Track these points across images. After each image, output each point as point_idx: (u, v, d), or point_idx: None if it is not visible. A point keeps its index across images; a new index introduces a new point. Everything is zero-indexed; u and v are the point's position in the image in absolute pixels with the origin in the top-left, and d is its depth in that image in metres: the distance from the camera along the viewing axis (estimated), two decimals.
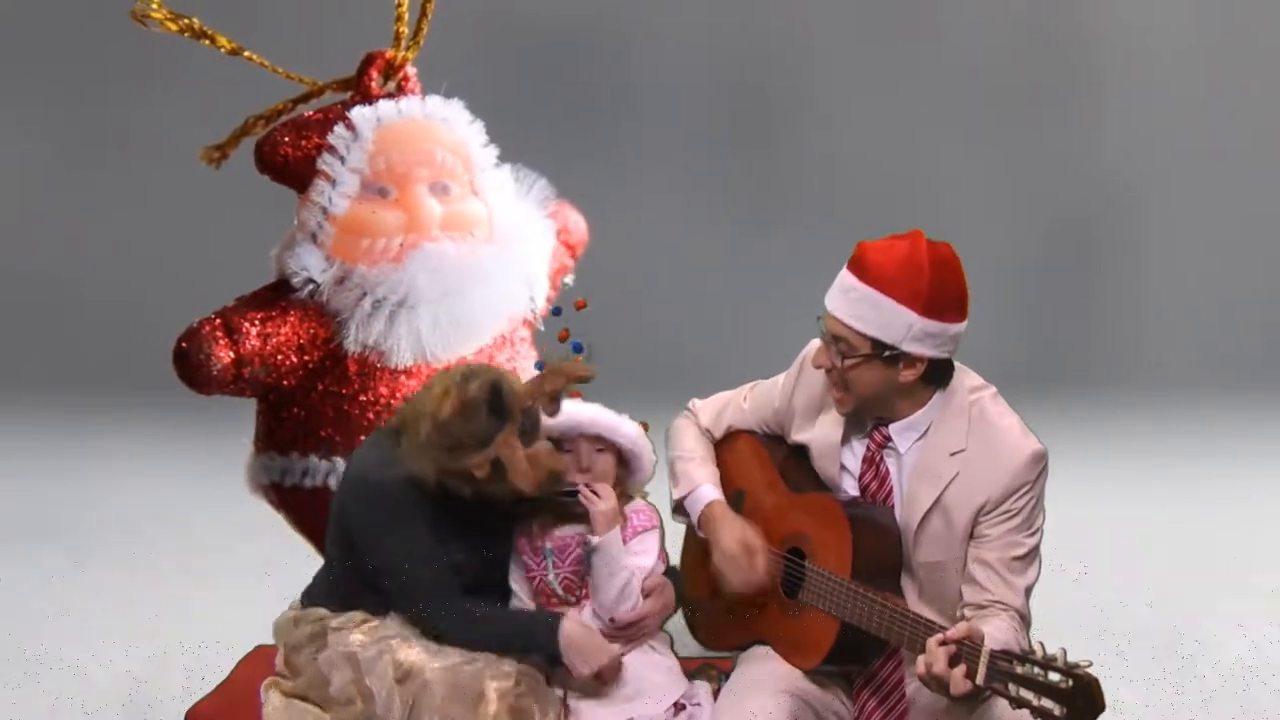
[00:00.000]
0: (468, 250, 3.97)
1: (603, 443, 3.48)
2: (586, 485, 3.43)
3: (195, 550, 6.03)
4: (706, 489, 3.47)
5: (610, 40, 8.75)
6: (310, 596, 3.50)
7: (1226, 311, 8.81)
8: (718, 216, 8.75)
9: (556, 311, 3.62)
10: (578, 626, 3.37)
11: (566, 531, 3.49)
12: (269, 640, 3.58)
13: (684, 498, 3.48)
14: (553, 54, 8.71)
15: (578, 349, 3.58)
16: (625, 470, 3.53)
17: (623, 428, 3.48)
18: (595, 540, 3.42)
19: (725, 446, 3.59)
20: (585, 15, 8.69)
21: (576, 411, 3.46)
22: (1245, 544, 6.25)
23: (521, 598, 3.49)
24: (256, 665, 3.69)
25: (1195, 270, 8.89)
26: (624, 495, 3.52)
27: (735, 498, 3.50)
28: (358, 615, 3.38)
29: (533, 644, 3.36)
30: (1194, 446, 7.65)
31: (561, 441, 3.47)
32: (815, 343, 3.39)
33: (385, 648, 3.30)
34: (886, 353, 3.21)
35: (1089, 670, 2.82)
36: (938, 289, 3.20)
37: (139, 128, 8.45)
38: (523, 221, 4.12)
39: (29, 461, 7.23)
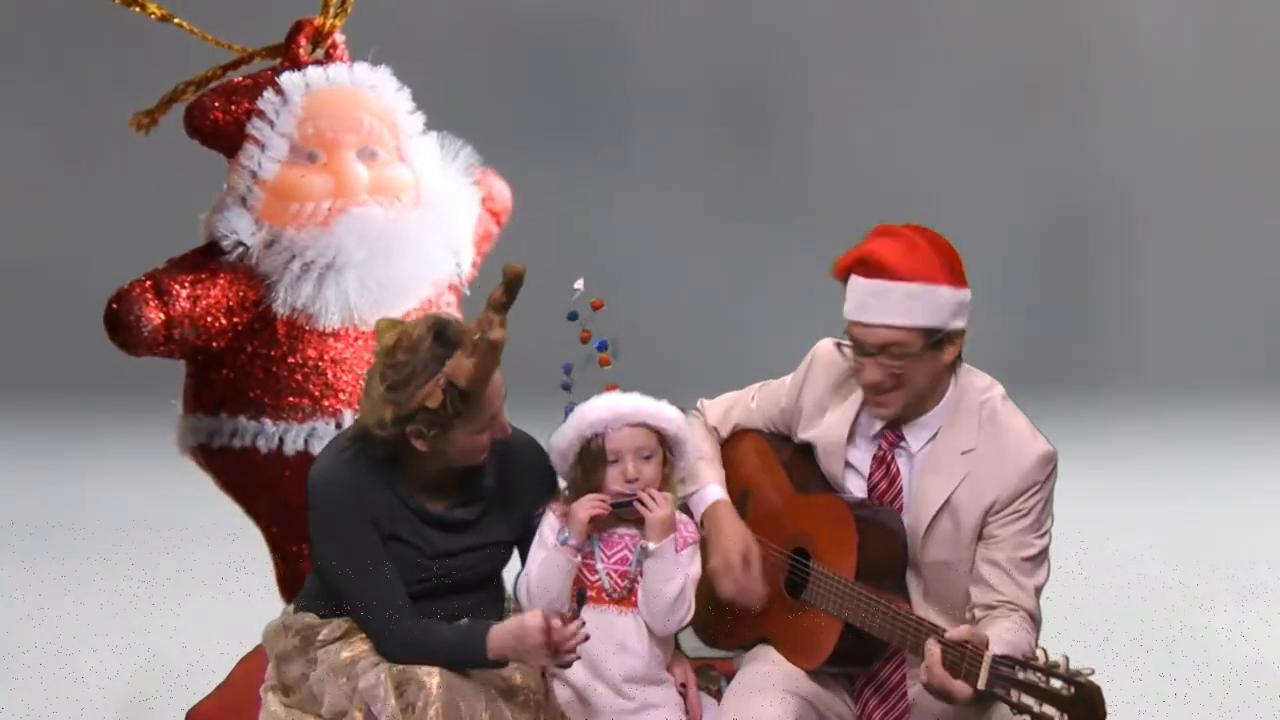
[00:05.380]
0: (394, 215, 4.02)
1: (648, 447, 3.37)
2: (645, 491, 3.34)
3: (194, 549, 6.03)
4: (712, 489, 3.45)
5: (609, 40, 8.73)
6: (301, 601, 3.48)
7: (1226, 312, 8.77)
8: (717, 217, 8.72)
9: (572, 316, 3.56)
10: (500, 629, 3.25)
11: (616, 529, 3.41)
12: None
13: (689, 496, 3.46)
14: (551, 53, 8.70)
15: (602, 347, 3.56)
16: (669, 461, 3.41)
17: (665, 413, 3.38)
18: (652, 546, 3.34)
19: (732, 445, 3.58)
20: (583, 15, 8.68)
21: (617, 401, 3.39)
22: (1246, 544, 6.27)
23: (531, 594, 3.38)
24: (256, 665, 3.65)
25: (1194, 270, 8.84)
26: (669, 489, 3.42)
27: (740, 497, 3.49)
28: (343, 623, 3.34)
29: (469, 657, 3.27)
30: (1194, 446, 7.65)
31: (605, 452, 3.36)
32: (824, 342, 3.41)
33: (378, 660, 3.27)
34: (935, 338, 3.22)
35: (1091, 678, 2.85)
36: (948, 258, 3.24)
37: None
38: (448, 187, 4.16)
39: (27, 461, 7.23)
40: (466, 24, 8.58)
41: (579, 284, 3.51)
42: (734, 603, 3.39)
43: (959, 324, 3.24)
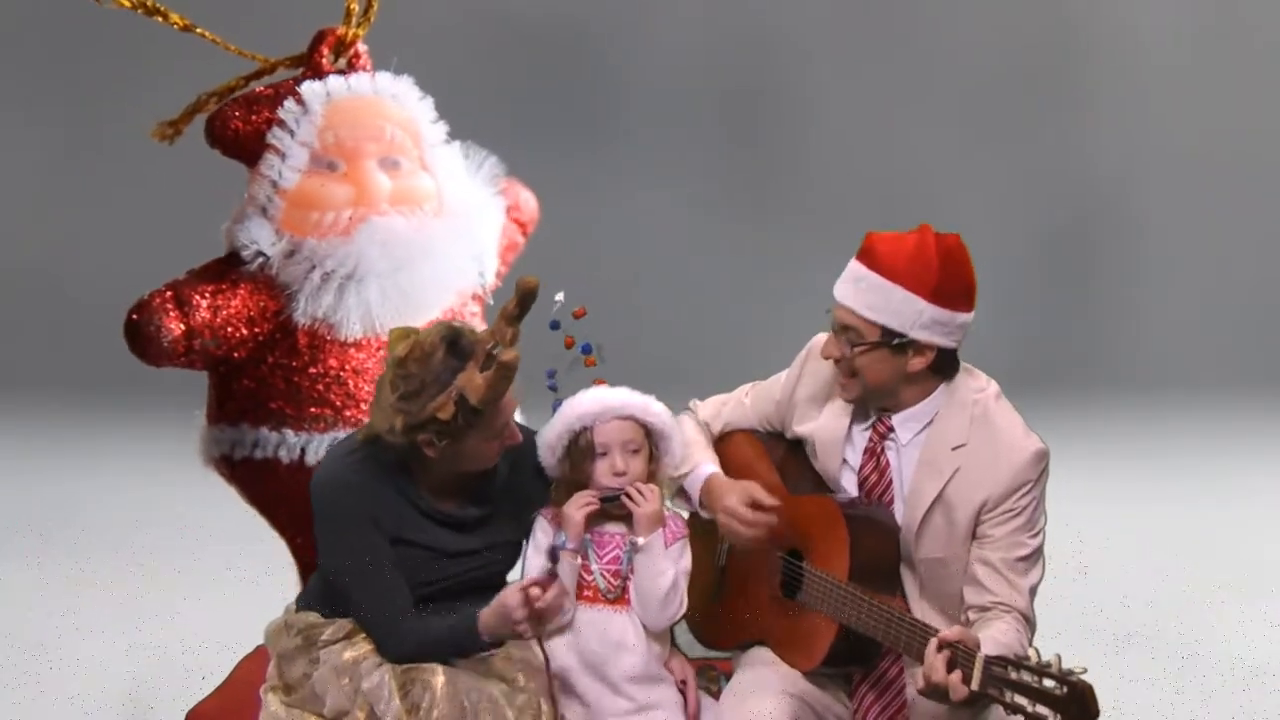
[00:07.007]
0: (416, 224, 4.01)
1: (635, 440, 3.40)
2: (633, 486, 3.37)
3: (195, 549, 6.01)
4: (705, 466, 3.46)
5: (609, 40, 8.73)
6: (304, 600, 3.50)
7: (1226, 312, 8.79)
8: (715, 218, 8.72)
9: (555, 325, 3.54)
10: (486, 612, 3.25)
11: (606, 528, 3.43)
12: None
13: (683, 478, 3.47)
14: (549, 53, 8.70)
15: (587, 350, 3.54)
16: (655, 456, 3.44)
17: (652, 407, 3.41)
18: (641, 541, 3.37)
19: (725, 445, 3.58)
20: (582, 15, 8.67)
21: (605, 394, 3.41)
22: (1245, 544, 6.28)
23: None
24: (257, 665, 3.65)
25: (1194, 270, 8.87)
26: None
27: None
28: (346, 623, 3.35)
29: (466, 644, 3.27)
30: (1193, 446, 7.66)
31: (594, 445, 3.39)
32: (820, 337, 3.41)
33: (381, 660, 3.28)
34: (895, 340, 3.24)
35: (1083, 677, 2.85)
36: (946, 277, 3.24)
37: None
38: (472, 197, 4.16)
39: (29, 461, 7.21)
40: (465, 24, 8.57)
41: (560, 296, 3.51)
42: (757, 544, 3.37)
43: (930, 338, 3.25)
